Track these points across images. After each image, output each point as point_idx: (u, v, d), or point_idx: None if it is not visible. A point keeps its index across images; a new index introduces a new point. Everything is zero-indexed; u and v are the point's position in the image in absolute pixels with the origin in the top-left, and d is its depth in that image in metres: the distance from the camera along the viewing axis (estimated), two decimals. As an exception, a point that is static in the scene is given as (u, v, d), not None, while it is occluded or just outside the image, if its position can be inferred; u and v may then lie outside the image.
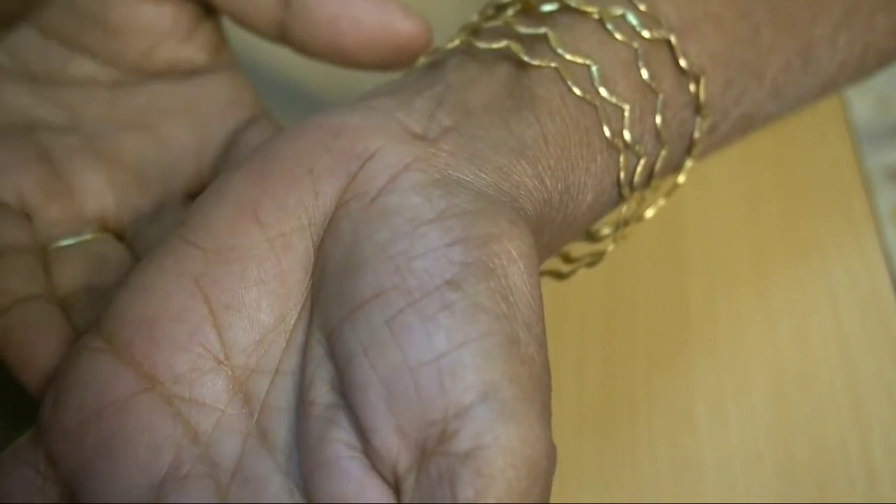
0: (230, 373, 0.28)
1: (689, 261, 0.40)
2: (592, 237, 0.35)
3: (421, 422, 0.25)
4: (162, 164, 0.36)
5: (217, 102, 0.37)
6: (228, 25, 0.37)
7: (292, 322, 0.28)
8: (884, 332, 0.38)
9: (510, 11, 0.33)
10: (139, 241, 0.35)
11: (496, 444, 0.24)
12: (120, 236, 0.35)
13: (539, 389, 0.25)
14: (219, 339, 0.28)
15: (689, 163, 0.35)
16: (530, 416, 0.25)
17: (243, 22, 0.35)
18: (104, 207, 0.35)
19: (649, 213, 0.35)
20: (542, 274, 0.36)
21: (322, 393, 0.26)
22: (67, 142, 0.35)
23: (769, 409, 0.36)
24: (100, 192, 0.35)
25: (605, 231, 0.35)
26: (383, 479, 0.25)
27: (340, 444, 0.26)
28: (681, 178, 0.35)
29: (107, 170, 0.35)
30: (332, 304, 0.27)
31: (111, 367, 0.28)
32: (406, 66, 0.34)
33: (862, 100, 0.48)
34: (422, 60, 0.34)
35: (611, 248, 0.35)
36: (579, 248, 0.35)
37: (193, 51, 0.36)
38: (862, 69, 0.39)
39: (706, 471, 0.34)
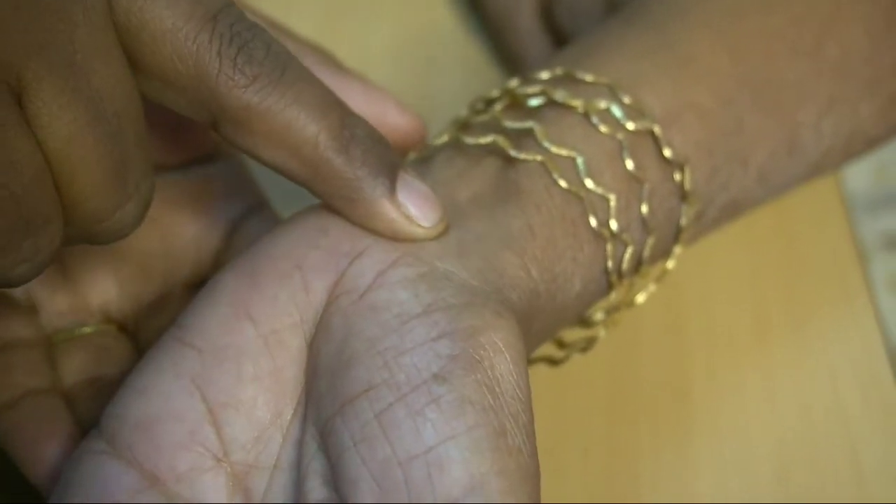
0: (230, 470, 0.28)
1: (689, 338, 0.40)
2: (585, 323, 0.36)
3: None
4: (165, 254, 0.36)
5: (218, 192, 0.37)
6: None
7: (288, 417, 0.29)
8: (880, 401, 0.38)
9: (498, 106, 0.34)
10: (142, 332, 0.35)
11: None
12: (123, 327, 0.36)
13: (526, 480, 0.26)
14: (217, 438, 0.28)
15: (677, 249, 0.35)
16: None
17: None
18: (108, 299, 0.36)
19: (640, 298, 0.36)
20: (536, 361, 0.37)
21: (315, 487, 0.27)
22: None
23: (771, 483, 0.36)
24: (104, 284, 0.36)
25: (598, 316, 0.36)
26: None
27: None
28: (670, 264, 0.35)
29: (111, 261, 0.36)
30: (325, 398, 0.28)
31: (115, 469, 0.28)
32: None
33: (859, 166, 0.48)
34: (412, 155, 0.35)
35: (603, 333, 0.35)
36: (572, 334, 0.36)
37: (198, 145, 0.37)
38: (848, 154, 0.39)
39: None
